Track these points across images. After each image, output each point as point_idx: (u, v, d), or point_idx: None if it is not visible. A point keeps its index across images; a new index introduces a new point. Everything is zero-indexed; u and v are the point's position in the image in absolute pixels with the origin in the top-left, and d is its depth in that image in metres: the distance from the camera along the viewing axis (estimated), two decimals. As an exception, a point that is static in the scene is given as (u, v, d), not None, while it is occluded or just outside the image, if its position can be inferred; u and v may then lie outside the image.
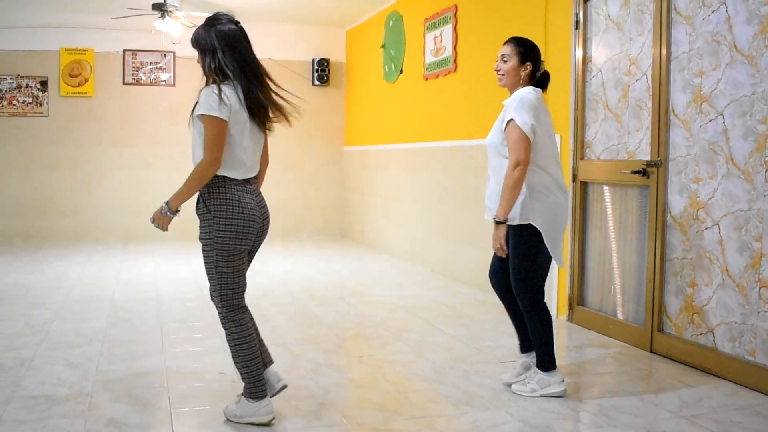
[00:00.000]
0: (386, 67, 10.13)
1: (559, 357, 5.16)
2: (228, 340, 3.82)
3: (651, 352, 5.12)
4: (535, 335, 4.23)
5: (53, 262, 9.13)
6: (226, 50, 3.70)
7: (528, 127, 4.00)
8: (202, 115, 3.54)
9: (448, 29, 8.23)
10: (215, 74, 3.68)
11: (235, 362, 3.81)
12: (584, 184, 5.92)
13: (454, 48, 8.07)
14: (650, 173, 5.11)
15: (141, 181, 11.17)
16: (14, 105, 10.93)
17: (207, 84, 3.67)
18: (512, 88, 4.22)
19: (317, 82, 11.93)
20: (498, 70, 4.24)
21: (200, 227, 3.69)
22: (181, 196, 3.62)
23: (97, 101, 11.20)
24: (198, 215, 3.71)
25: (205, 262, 3.77)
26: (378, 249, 10.35)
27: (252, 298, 6.92)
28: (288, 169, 11.99)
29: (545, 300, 4.30)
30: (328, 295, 7.24)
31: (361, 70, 11.38)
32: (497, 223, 4.15)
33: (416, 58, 9.13)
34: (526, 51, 4.17)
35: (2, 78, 10.88)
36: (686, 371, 4.72)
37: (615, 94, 5.55)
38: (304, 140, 12.07)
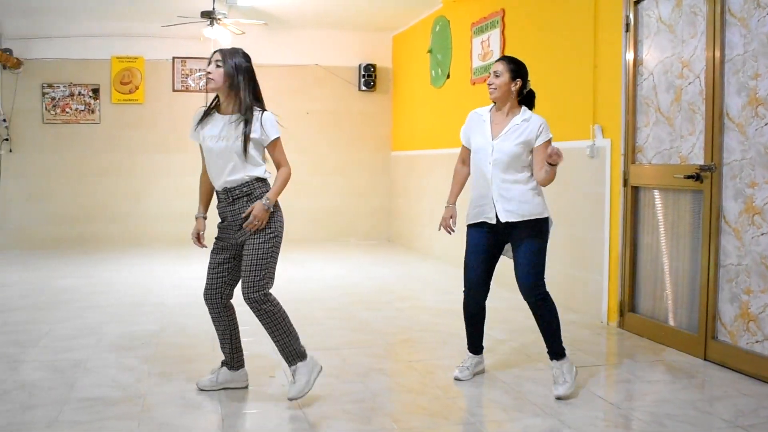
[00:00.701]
0: (433, 71, 10.12)
1: (610, 364, 5.12)
2: (273, 323, 4.17)
3: (704, 359, 5.03)
4: (549, 326, 4.44)
5: (105, 267, 9.27)
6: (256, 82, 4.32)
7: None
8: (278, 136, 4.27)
9: (495, 33, 8.19)
10: (255, 99, 4.23)
11: (281, 339, 4.18)
12: (635, 189, 5.85)
13: (502, 52, 8.03)
14: (704, 178, 5.02)
15: (190, 186, 11.23)
16: (67, 112, 11.13)
17: (241, 110, 4.15)
18: (503, 102, 4.52)
19: (364, 88, 11.96)
20: (490, 84, 4.51)
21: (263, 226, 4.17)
22: (277, 194, 4.30)
23: (147, 108, 11.36)
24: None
25: (260, 255, 4.14)
26: (425, 254, 10.33)
27: (300, 302, 7.01)
28: (335, 174, 12.05)
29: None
30: (376, 299, 7.24)
31: (408, 75, 11.39)
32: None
33: (463, 62, 9.11)
34: (517, 69, 4.53)
35: (56, 86, 11.09)
36: (741, 380, 4.63)
37: (667, 98, 5.48)
38: (351, 146, 12.11)
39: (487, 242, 4.53)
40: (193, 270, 9.02)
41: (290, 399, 4.12)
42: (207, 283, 4.28)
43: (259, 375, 4.71)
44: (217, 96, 4.27)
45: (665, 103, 5.49)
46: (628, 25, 5.87)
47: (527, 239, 4.44)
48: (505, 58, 4.60)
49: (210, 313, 4.34)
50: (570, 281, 6.64)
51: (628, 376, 4.76)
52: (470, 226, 4.60)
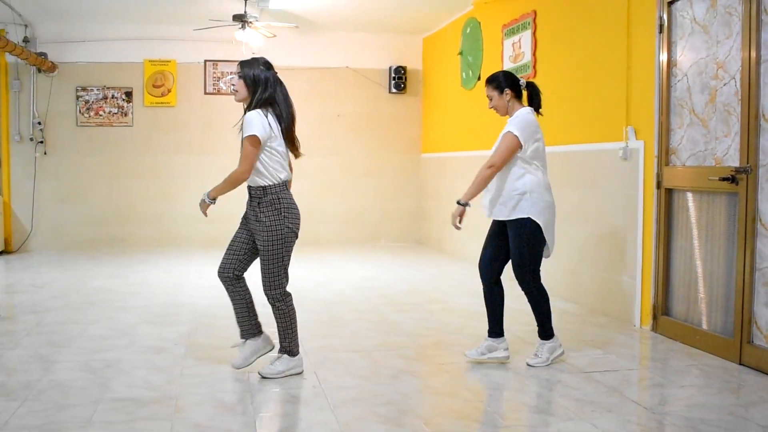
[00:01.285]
0: (464, 73, 10.10)
1: (644, 368, 5.07)
2: (283, 316, 4.68)
3: (740, 364, 4.96)
4: (537, 309, 5.03)
5: (137, 268, 9.35)
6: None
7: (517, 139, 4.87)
8: None
9: (527, 35, 8.16)
10: (266, 104, 4.58)
11: (285, 330, 4.68)
12: (669, 191, 5.79)
13: (533, 54, 8.00)
14: (739, 180, 4.96)
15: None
16: (101, 115, 11.24)
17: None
18: (506, 113, 5.03)
19: (394, 90, 11.96)
20: (492, 108, 5.04)
21: (258, 224, 4.61)
22: (218, 191, 4.85)
23: (180, 111, 11.44)
24: (261, 219, 4.62)
25: (273, 258, 4.64)
26: (455, 256, 10.30)
27: (331, 304, 7.03)
28: (365, 176, 12.07)
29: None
30: (406, 301, 7.23)
31: (438, 77, 11.37)
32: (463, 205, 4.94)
33: (494, 64, 9.08)
34: (498, 83, 4.97)
35: (89, 89, 11.21)
36: (778, 384, 4.57)
37: (701, 99, 5.42)
38: (381, 148, 12.12)
39: (498, 229, 5.09)
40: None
41: (236, 367, 4.75)
42: (223, 260, 4.74)
43: (291, 377, 4.72)
44: None
45: (700, 105, 5.44)
46: (661, 25, 5.81)
47: (513, 237, 4.97)
48: (487, 80, 5.04)
49: (226, 288, 4.77)
50: (603, 284, 6.59)
51: (662, 381, 4.71)
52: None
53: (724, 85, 5.17)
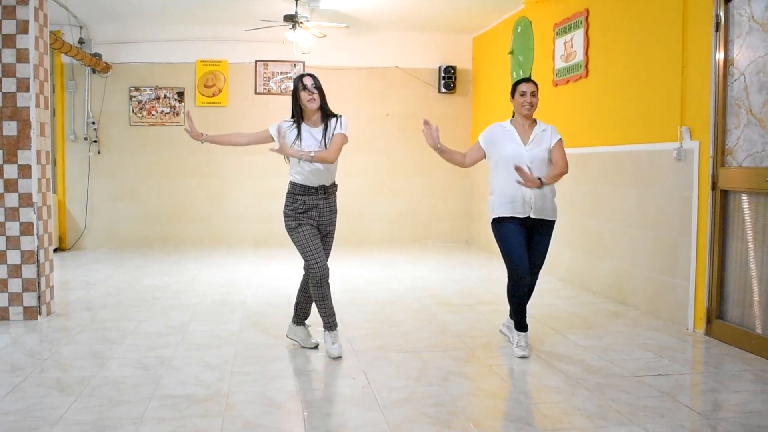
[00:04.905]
0: (514, 73, 10.03)
1: (697, 372, 4.98)
2: (328, 292, 5.21)
3: (797, 369, 4.87)
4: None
5: (188, 266, 9.46)
6: None
7: None
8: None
9: (579, 34, 8.07)
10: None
11: (331, 303, 5.25)
12: (724, 193, 5.68)
13: (586, 53, 7.91)
14: (798, 181, 4.85)
15: (272, 188, 11.41)
16: (153, 115, 11.40)
17: (333, 115, 5.24)
18: (532, 116, 5.35)
19: (444, 90, 11.93)
20: (531, 103, 5.29)
21: (333, 214, 5.39)
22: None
23: (231, 111, 11.55)
24: (336, 209, 5.43)
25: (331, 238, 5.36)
26: (504, 257, 10.22)
27: (382, 304, 7.05)
28: (414, 176, 12.06)
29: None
30: (457, 302, 7.21)
31: (488, 76, 11.31)
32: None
33: (545, 63, 9.01)
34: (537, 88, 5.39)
35: (142, 89, 11.37)
36: (837, 391, 4.46)
37: (759, 99, 5.31)
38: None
39: (522, 230, 5.28)
40: (274, 270, 9.14)
41: (336, 358, 5.14)
42: (318, 258, 5.17)
43: (342, 377, 4.74)
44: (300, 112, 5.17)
45: (757, 105, 5.32)
46: (718, 24, 5.70)
47: (548, 234, 5.39)
48: (533, 81, 5.39)
49: (325, 284, 5.19)
50: (656, 287, 6.50)
51: (716, 386, 4.63)
52: (504, 219, 5.30)
53: (783, 84, 5.06)
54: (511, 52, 10.10)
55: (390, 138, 11.99)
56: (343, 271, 9.06)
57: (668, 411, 4.11)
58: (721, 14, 5.67)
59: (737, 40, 5.55)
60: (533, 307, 6.88)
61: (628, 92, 7.06)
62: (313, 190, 5.18)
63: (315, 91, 5.07)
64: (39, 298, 6.28)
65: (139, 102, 11.37)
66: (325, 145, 5.11)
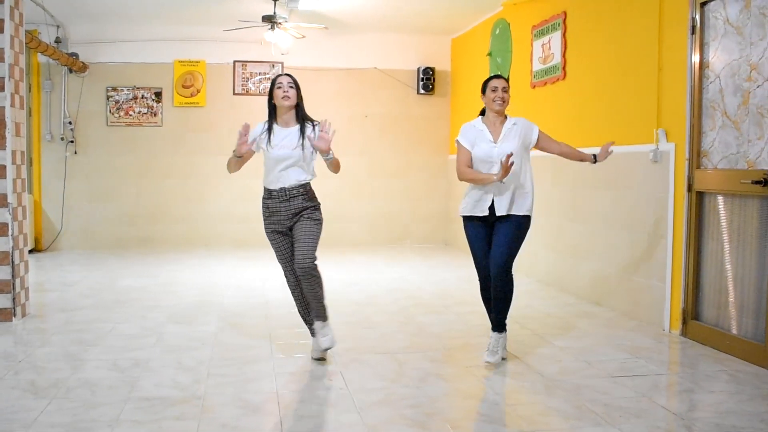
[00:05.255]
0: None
1: (673, 373, 5.01)
2: (316, 286, 5.04)
3: (771, 370, 4.91)
4: (506, 302, 5.13)
5: (166, 267, 9.41)
6: None
7: None
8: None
9: (556, 36, 8.11)
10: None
11: (321, 300, 5.07)
12: (700, 194, 5.72)
13: (563, 55, 7.95)
14: (772, 183, 4.89)
15: (251, 189, 11.37)
16: (131, 115, 11.34)
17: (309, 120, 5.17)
18: (503, 113, 5.28)
19: (422, 91, 11.95)
20: (502, 99, 5.22)
21: (315, 210, 5.17)
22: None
23: (209, 111, 11.51)
24: (309, 205, 5.14)
25: (314, 234, 5.09)
26: (483, 258, 10.24)
27: (360, 305, 7.03)
28: (393, 177, 12.06)
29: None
30: (434, 303, 7.21)
31: (467, 78, 11.34)
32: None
33: (523, 65, 9.04)
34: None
35: (120, 89, 11.31)
36: (811, 391, 4.50)
37: (734, 101, 5.35)
38: (409, 149, 12.11)
39: (486, 231, 5.21)
40: (252, 271, 9.10)
41: (327, 349, 5.09)
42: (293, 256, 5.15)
43: (319, 379, 4.73)
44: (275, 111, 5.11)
45: (732, 107, 5.37)
46: (694, 27, 5.74)
47: (519, 229, 5.15)
48: (502, 76, 5.44)
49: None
50: (632, 288, 6.53)
51: (691, 386, 4.66)
52: (469, 219, 5.28)
53: (758, 87, 5.11)
54: (490, 54, 10.13)
55: (368, 139, 11.99)
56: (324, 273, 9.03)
57: (644, 411, 4.13)
58: (697, 17, 5.72)
59: (713, 43, 5.60)
60: (511, 308, 6.89)
61: (605, 94, 7.10)
62: (275, 193, 5.06)
63: (290, 89, 5.01)
64: (14, 299, 6.22)
65: (117, 102, 11.31)
66: (302, 148, 5.03)
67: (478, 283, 5.34)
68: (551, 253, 8.20)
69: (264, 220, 5.14)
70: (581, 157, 5.41)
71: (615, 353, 5.35)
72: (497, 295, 5.12)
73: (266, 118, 5.14)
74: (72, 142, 11.15)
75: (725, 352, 5.34)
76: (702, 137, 5.71)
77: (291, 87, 5.02)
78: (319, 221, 5.14)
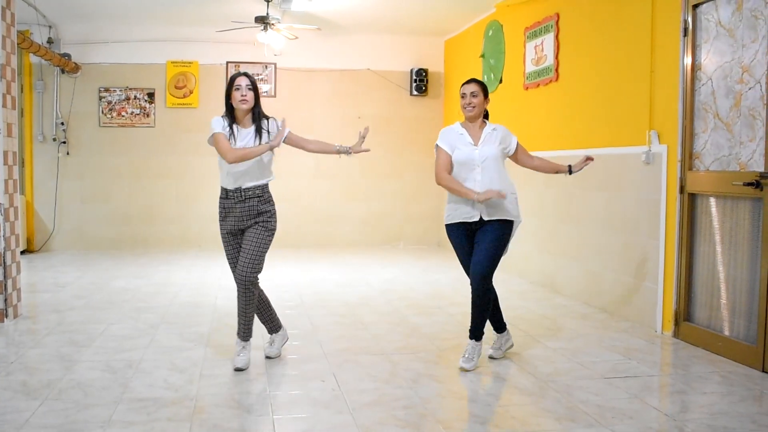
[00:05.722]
0: (485, 76, 10.07)
1: (665, 374, 5.02)
2: (250, 302, 4.98)
3: (763, 371, 4.91)
4: (485, 312, 5.13)
5: (159, 268, 9.39)
6: None
7: None
8: None
9: (549, 38, 8.12)
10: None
11: (249, 318, 5.03)
12: (692, 196, 5.74)
13: (556, 57, 7.96)
14: (764, 185, 4.91)
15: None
16: (123, 116, 11.32)
17: (265, 117, 5.03)
18: (477, 117, 5.18)
19: (415, 92, 11.96)
20: (470, 104, 5.13)
21: (271, 218, 4.97)
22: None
23: (201, 112, 11.48)
24: (265, 209, 4.94)
25: (263, 245, 4.90)
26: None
27: (352, 306, 7.03)
28: (386, 178, 12.06)
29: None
30: (427, 304, 7.21)
31: (460, 79, 11.30)
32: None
33: (516, 67, 9.05)
34: (485, 89, 5.20)
35: (112, 90, 11.28)
36: (802, 392, 4.52)
37: (726, 103, 5.37)
38: (402, 150, 12.12)
39: (469, 239, 5.17)
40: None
41: (271, 357, 5.17)
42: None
43: (312, 380, 4.73)
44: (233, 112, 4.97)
45: (724, 109, 5.39)
46: (686, 29, 5.76)
47: (502, 235, 5.09)
48: (477, 81, 5.21)
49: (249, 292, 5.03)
50: (625, 289, 6.55)
51: (683, 387, 4.67)
52: (452, 226, 5.21)
53: (750, 89, 5.13)
54: (483, 56, 10.14)
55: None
56: (313, 274, 9.05)
57: (636, 412, 4.14)
58: (689, 19, 5.73)
59: (705, 45, 5.62)
60: (504, 309, 6.87)
61: (597, 96, 7.11)
62: (231, 193, 4.92)
63: (248, 91, 4.86)
64: (6, 300, 6.20)
65: (109, 103, 11.28)
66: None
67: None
68: (544, 255, 8.21)
69: (219, 221, 5.03)
70: (556, 169, 5.32)
71: (607, 354, 5.36)
72: (476, 303, 5.08)
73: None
74: (64, 142, 11.12)
75: (717, 354, 5.36)
76: (694, 139, 5.73)
77: (249, 89, 4.87)
78: (272, 231, 4.98)
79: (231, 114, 4.94)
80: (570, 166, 5.29)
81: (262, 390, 4.51)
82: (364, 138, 5.09)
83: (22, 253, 10.18)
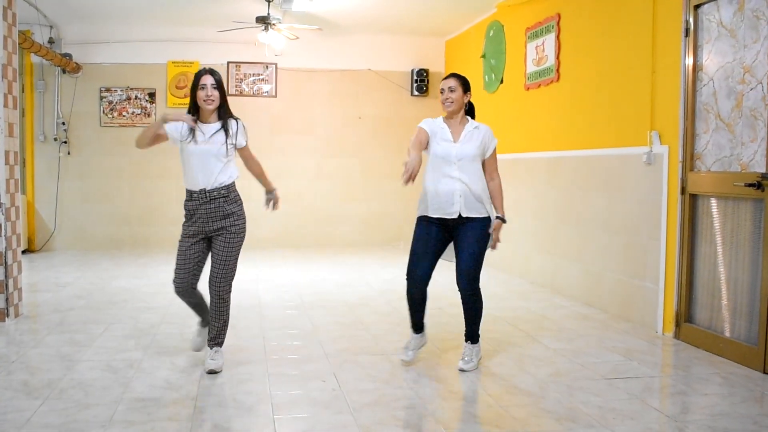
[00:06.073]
0: (486, 77, 10.07)
1: (666, 375, 5.02)
2: (225, 308, 4.94)
3: (764, 372, 4.91)
4: (478, 313, 5.08)
5: (159, 268, 9.39)
6: None
7: None
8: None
9: (550, 38, 8.12)
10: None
11: (225, 322, 4.96)
12: (693, 197, 5.74)
13: (557, 57, 7.96)
14: (765, 186, 4.91)
15: (245, 189, 11.33)
16: (124, 116, 11.32)
17: (231, 117, 4.92)
18: (456, 113, 5.07)
19: (416, 93, 11.95)
20: (448, 99, 5.02)
21: (238, 219, 4.98)
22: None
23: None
24: (231, 210, 4.95)
25: (235, 252, 4.93)
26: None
27: (352, 306, 7.03)
28: (386, 179, 12.05)
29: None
30: (428, 305, 7.18)
31: (461, 80, 11.32)
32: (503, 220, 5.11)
33: (517, 67, 9.05)
34: (466, 84, 5.08)
35: (113, 90, 11.29)
36: (803, 393, 4.51)
37: (728, 104, 5.37)
38: (403, 151, 12.07)
39: (440, 235, 5.10)
40: (244, 273, 9.08)
41: (212, 371, 4.80)
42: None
43: (312, 380, 4.72)
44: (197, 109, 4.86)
45: (726, 110, 5.38)
46: (687, 29, 5.76)
47: (482, 234, 5.01)
48: (456, 75, 5.11)
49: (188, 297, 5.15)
50: (626, 290, 6.54)
51: (684, 388, 4.67)
52: (424, 219, 5.15)
53: (751, 89, 5.12)
54: (484, 56, 10.14)
55: (361, 141, 11.98)
56: (313, 274, 9.05)
57: (637, 414, 4.14)
58: (691, 20, 5.73)
59: (706, 45, 5.61)
60: (504, 309, 6.92)
61: (598, 96, 7.11)
62: (195, 195, 4.83)
63: (213, 90, 4.75)
64: (7, 300, 6.20)
65: (110, 103, 11.28)
66: (226, 148, 4.84)
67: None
68: (545, 255, 8.20)
69: (183, 223, 4.91)
70: (498, 204, 5.11)
71: (608, 355, 5.36)
72: (468, 305, 5.07)
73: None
74: (65, 142, 11.13)
75: (718, 355, 5.36)
76: (695, 140, 5.72)
77: (215, 88, 4.76)
78: (241, 234, 4.95)
79: (195, 111, 4.84)
80: (500, 217, 5.09)
81: (263, 390, 4.51)
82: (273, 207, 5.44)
83: (23, 252, 10.17)
